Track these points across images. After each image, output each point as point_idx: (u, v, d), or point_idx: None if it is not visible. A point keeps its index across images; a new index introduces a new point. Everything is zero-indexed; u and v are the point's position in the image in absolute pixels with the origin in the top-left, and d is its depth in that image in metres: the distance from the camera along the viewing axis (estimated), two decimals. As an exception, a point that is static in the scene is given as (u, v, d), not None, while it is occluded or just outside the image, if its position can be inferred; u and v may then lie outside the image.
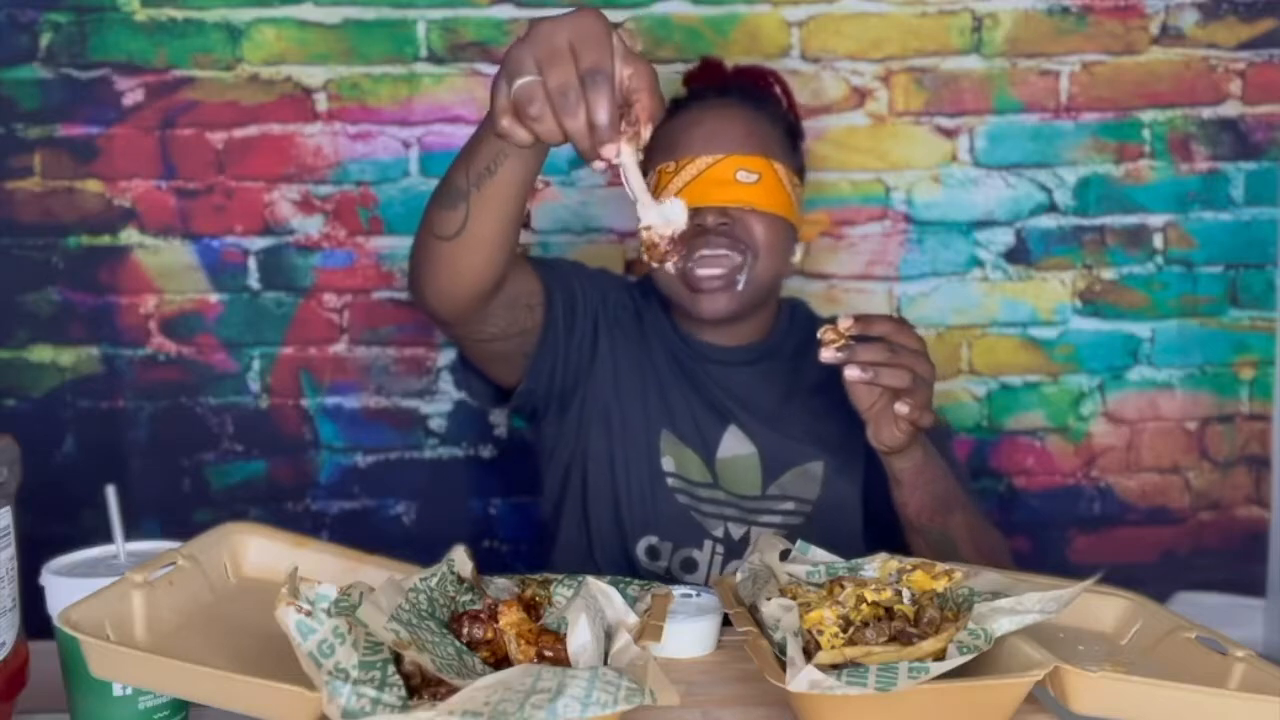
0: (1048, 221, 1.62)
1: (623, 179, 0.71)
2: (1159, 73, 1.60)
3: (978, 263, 1.62)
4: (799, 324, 1.30)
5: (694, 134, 1.18)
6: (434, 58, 1.56)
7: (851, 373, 0.95)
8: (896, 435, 1.00)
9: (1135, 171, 1.61)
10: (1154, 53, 1.60)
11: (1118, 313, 1.63)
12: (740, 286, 1.18)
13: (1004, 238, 1.61)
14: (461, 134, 1.56)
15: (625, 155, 0.69)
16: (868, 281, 1.61)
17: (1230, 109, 1.61)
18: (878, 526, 1.21)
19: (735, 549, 1.20)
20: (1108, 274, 1.62)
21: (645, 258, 0.76)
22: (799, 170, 1.26)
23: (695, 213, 1.14)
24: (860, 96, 1.59)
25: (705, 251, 1.16)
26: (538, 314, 1.17)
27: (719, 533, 1.21)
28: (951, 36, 1.58)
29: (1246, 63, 1.60)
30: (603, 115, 0.68)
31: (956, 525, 1.09)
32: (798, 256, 1.26)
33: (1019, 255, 1.62)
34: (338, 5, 1.54)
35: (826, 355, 0.95)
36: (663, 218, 0.73)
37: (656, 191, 1.18)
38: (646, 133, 0.72)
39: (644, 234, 0.74)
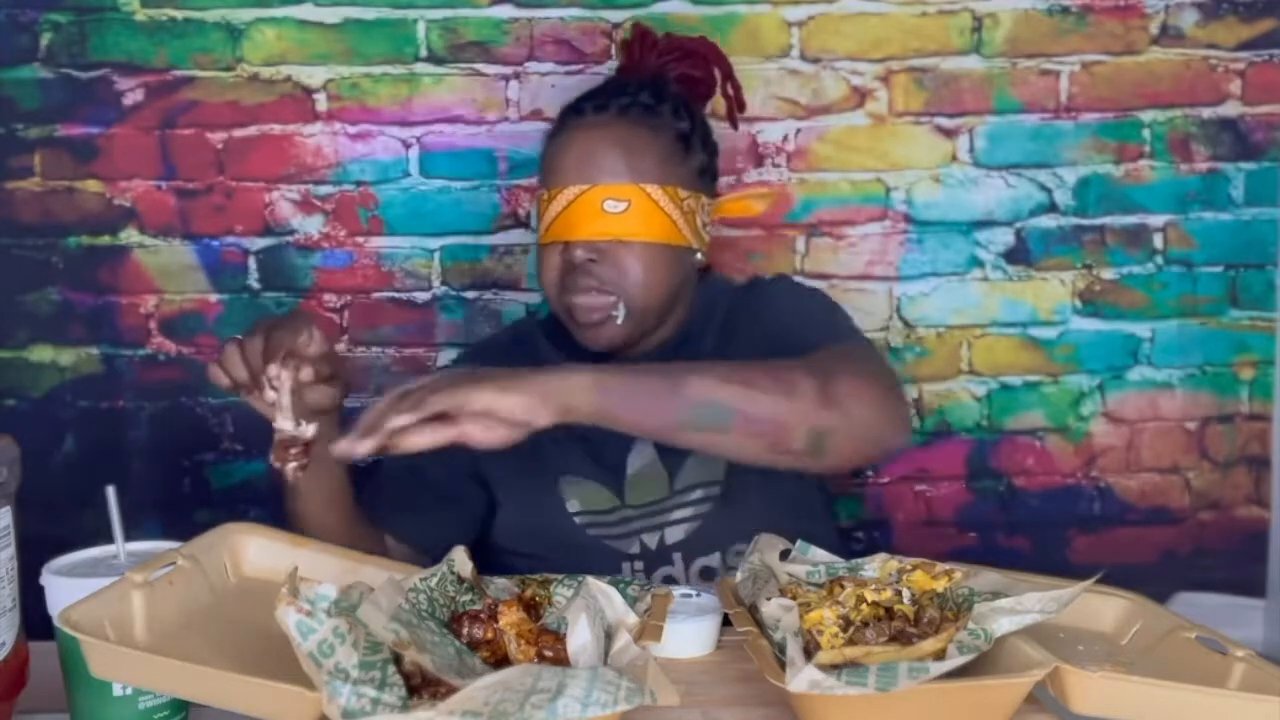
0: (1048, 221, 1.62)
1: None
2: (1159, 73, 1.60)
3: (978, 263, 1.62)
4: (710, 303, 1.25)
5: (565, 160, 1.16)
6: (434, 58, 1.56)
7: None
8: (500, 436, 0.91)
9: (1135, 171, 1.61)
10: (1154, 53, 1.60)
11: (1118, 313, 1.63)
12: (620, 321, 1.15)
13: (1004, 238, 1.61)
14: (461, 134, 1.56)
15: (283, 379, 0.94)
16: (868, 281, 1.61)
17: (1230, 109, 1.61)
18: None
19: (655, 558, 1.17)
20: (1108, 274, 1.62)
21: (272, 457, 0.95)
22: (695, 177, 1.20)
23: (565, 247, 1.15)
24: (860, 96, 1.59)
25: (575, 298, 1.15)
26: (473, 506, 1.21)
27: (635, 549, 1.18)
28: (951, 36, 1.58)
29: (1246, 63, 1.60)
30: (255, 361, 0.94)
31: (707, 397, 0.95)
32: (701, 258, 1.22)
33: (1019, 255, 1.62)
34: (338, 5, 1.54)
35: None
36: (295, 429, 0.94)
37: (539, 219, 1.18)
38: (306, 371, 0.95)
39: (275, 436, 0.94)
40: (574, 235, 1.13)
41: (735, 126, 1.30)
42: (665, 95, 1.22)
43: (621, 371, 0.95)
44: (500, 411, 0.88)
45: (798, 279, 1.26)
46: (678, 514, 1.18)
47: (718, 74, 1.30)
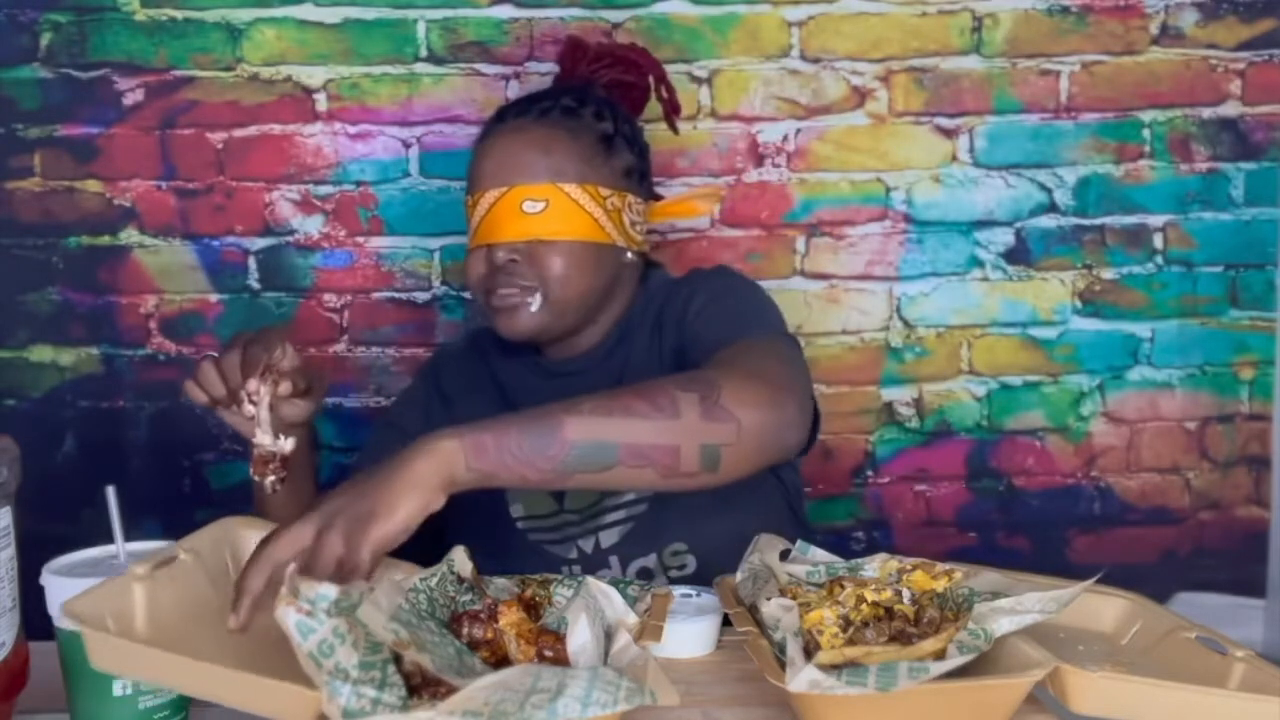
0: (1048, 221, 1.62)
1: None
2: (1159, 73, 1.60)
3: (978, 263, 1.62)
4: (650, 299, 1.24)
5: (485, 166, 1.17)
6: (434, 58, 1.56)
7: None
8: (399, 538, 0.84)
9: (1135, 171, 1.61)
10: (1154, 53, 1.60)
11: (1118, 313, 1.63)
12: (534, 309, 1.15)
13: (1004, 238, 1.61)
14: (462, 134, 1.56)
15: (261, 394, 0.95)
16: (868, 281, 1.61)
17: (1230, 109, 1.61)
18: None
19: (591, 562, 1.17)
20: (1108, 274, 1.62)
21: (252, 471, 0.97)
22: (620, 176, 1.19)
23: (488, 250, 1.15)
24: (860, 96, 1.59)
25: (496, 298, 1.15)
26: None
27: (572, 554, 1.18)
28: (951, 36, 1.58)
29: (1246, 63, 1.60)
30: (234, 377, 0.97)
31: (586, 437, 0.90)
32: (633, 256, 1.21)
33: (1019, 255, 1.62)
34: (338, 5, 1.54)
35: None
36: (273, 442, 0.96)
37: (468, 225, 1.19)
38: (284, 386, 0.97)
39: (254, 450, 0.96)
40: (496, 238, 1.15)
41: (675, 130, 1.31)
42: (589, 99, 1.22)
43: (490, 425, 0.88)
44: (398, 535, 0.82)
45: (732, 269, 1.24)
46: (611, 516, 1.18)
47: (651, 79, 1.30)
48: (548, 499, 1.20)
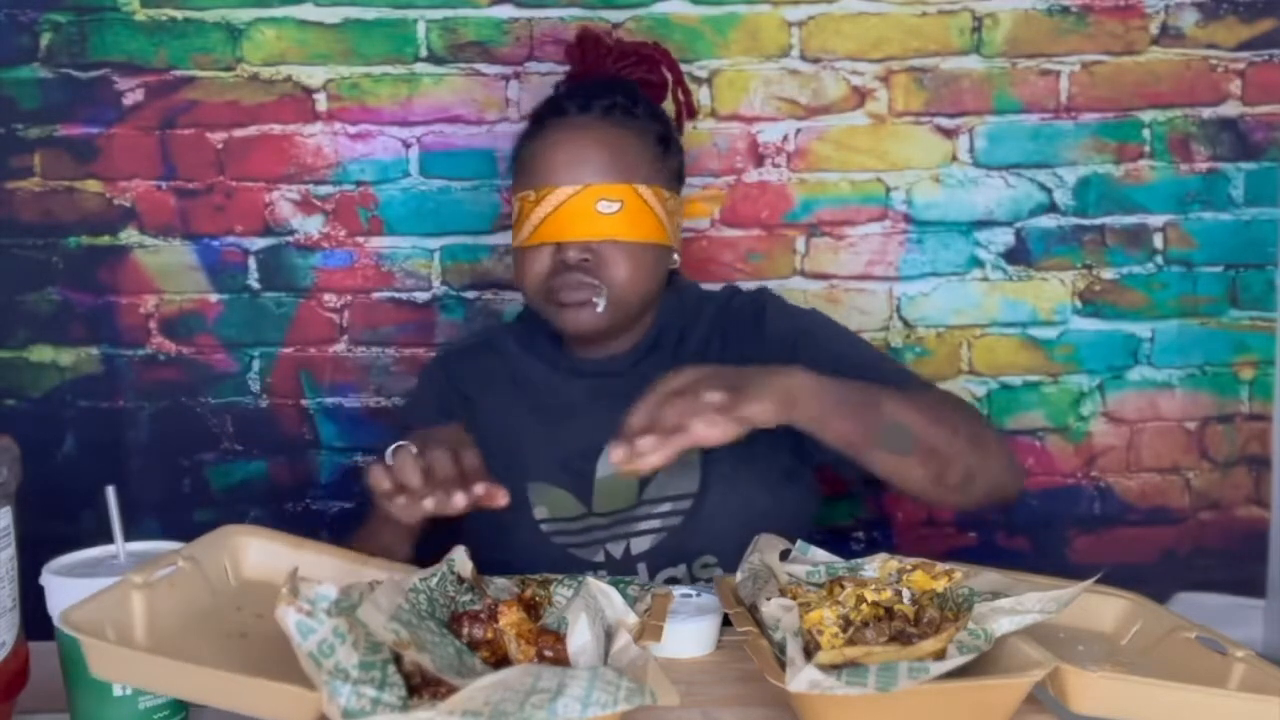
0: (1048, 221, 1.62)
1: None
2: (1159, 73, 1.60)
3: (978, 263, 1.62)
4: (684, 308, 1.25)
5: (553, 160, 1.14)
6: (434, 58, 1.56)
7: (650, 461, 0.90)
8: (723, 432, 0.90)
9: (1135, 171, 1.61)
10: (1154, 53, 1.60)
11: (1118, 313, 1.63)
12: (600, 309, 1.14)
13: (1004, 238, 1.61)
14: (461, 134, 1.56)
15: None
16: (868, 281, 1.61)
17: (1230, 109, 1.61)
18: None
19: (619, 567, 1.16)
20: (1108, 274, 1.62)
21: (395, 506, 0.93)
22: (673, 178, 1.21)
23: (558, 248, 1.13)
24: (860, 96, 1.59)
25: (563, 295, 1.14)
26: None
27: (599, 558, 1.17)
28: (951, 36, 1.58)
29: (1246, 63, 1.60)
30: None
31: (897, 420, 0.98)
32: (677, 259, 1.23)
33: (1019, 255, 1.62)
34: (338, 5, 1.54)
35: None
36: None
37: (519, 220, 1.16)
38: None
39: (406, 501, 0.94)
40: (567, 236, 1.13)
41: (681, 132, 1.30)
42: (638, 98, 1.21)
43: (831, 380, 0.95)
44: (734, 411, 0.88)
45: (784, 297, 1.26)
46: (645, 524, 1.16)
47: (670, 78, 1.30)
48: (575, 502, 1.18)
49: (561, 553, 1.17)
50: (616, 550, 1.16)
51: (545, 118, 1.19)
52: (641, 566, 1.15)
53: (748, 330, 1.20)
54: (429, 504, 0.92)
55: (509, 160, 1.24)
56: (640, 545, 1.16)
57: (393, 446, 0.96)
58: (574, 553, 1.17)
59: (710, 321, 1.23)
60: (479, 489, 0.92)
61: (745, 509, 1.13)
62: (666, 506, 1.16)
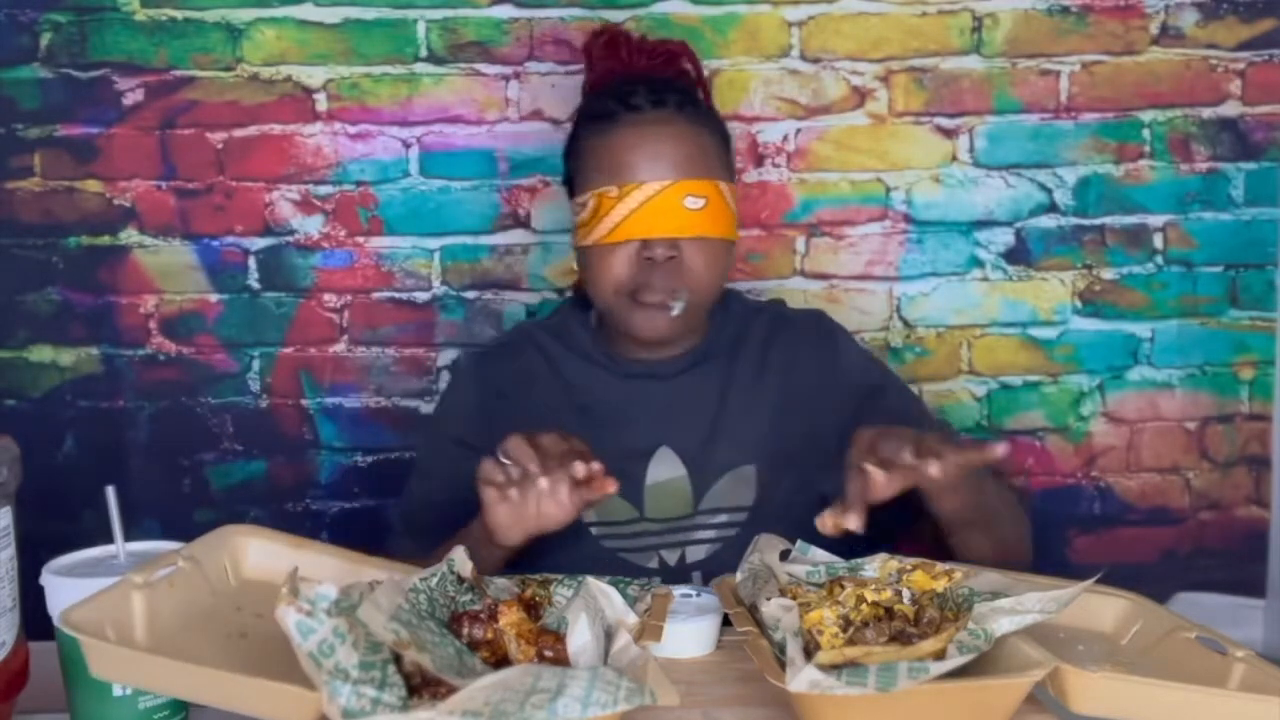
0: (1048, 221, 1.62)
1: None
2: (1159, 73, 1.60)
3: (978, 263, 1.62)
4: (734, 317, 1.24)
5: (637, 156, 1.11)
6: (434, 58, 1.56)
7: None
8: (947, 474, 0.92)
9: (1135, 171, 1.61)
10: (1154, 53, 1.60)
11: (1118, 313, 1.63)
12: (675, 312, 1.12)
13: (1004, 238, 1.61)
14: (461, 134, 1.56)
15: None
16: (868, 281, 1.61)
17: (1230, 109, 1.61)
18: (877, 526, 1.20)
19: (673, 575, 1.14)
20: (1108, 274, 1.62)
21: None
22: (734, 173, 1.20)
23: (644, 245, 1.10)
24: (860, 96, 1.59)
25: (648, 295, 1.11)
26: None
27: (653, 564, 1.15)
28: (951, 36, 1.58)
29: (1246, 63, 1.60)
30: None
31: (996, 507, 1.07)
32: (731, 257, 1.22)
33: (1019, 255, 1.62)
34: (338, 5, 1.54)
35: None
36: None
37: (597, 217, 1.12)
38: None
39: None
40: (655, 233, 1.09)
41: None
42: (695, 93, 1.21)
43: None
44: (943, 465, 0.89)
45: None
46: (701, 534, 1.16)
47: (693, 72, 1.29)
48: (627, 505, 1.16)
49: (613, 557, 1.15)
50: (671, 558, 1.15)
51: (616, 113, 1.15)
52: (696, 575, 1.15)
53: (818, 356, 1.20)
54: (544, 483, 0.93)
55: (563, 159, 1.22)
56: (696, 554, 1.15)
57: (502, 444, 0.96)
58: (626, 558, 1.15)
59: (765, 335, 1.22)
60: (595, 465, 0.93)
61: (798, 527, 1.09)
62: (723, 518, 1.16)
